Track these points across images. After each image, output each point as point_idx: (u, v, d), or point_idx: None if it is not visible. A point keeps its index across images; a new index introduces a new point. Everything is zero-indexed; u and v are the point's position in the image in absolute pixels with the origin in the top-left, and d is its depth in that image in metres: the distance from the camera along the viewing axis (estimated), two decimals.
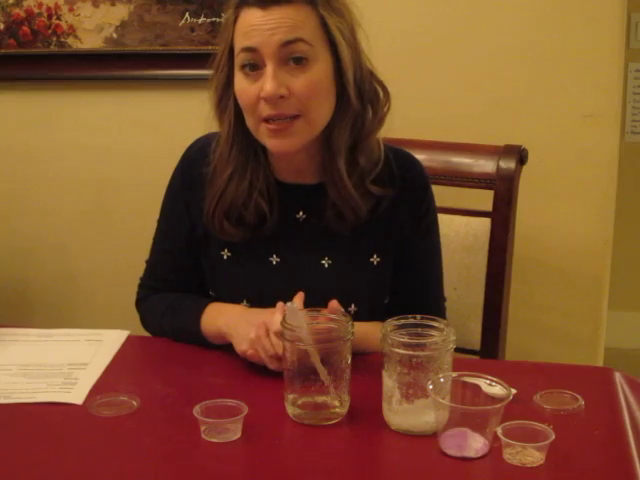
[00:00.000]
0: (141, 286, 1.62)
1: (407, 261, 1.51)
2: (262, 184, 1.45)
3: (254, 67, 1.36)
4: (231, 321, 1.41)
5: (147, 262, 1.61)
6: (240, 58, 1.38)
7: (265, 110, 1.36)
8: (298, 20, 1.35)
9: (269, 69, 1.34)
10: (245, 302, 1.46)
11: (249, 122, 1.41)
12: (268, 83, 1.34)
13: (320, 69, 1.38)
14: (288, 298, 1.33)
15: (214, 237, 1.50)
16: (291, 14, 1.35)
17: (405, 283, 1.53)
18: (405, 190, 1.49)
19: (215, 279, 1.53)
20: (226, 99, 1.43)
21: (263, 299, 1.43)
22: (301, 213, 1.49)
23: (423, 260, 1.54)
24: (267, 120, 1.37)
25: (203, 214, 1.49)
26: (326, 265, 1.48)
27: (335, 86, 1.41)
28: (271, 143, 1.40)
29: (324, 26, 1.38)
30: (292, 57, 1.35)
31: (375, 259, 1.49)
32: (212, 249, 1.51)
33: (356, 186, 1.43)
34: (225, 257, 1.50)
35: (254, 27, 1.35)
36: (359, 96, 1.42)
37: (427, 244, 1.54)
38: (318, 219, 1.46)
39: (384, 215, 1.47)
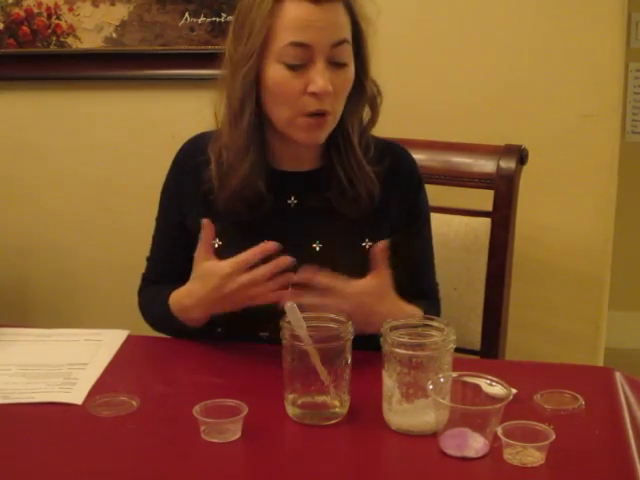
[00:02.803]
0: (142, 280, 1.64)
1: (400, 246, 1.52)
2: (264, 172, 1.47)
3: (301, 62, 1.38)
4: (191, 292, 1.43)
5: (147, 259, 1.64)
6: (286, 50, 1.38)
7: (312, 104, 1.39)
8: (343, 20, 1.40)
9: (320, 66, 1.37)
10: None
11: (282, 114, 1.42)
12: (322, 79, 1.37)
13: (352, 69, 1.43)
14: None
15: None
16: (339, 13, 1.39)
17: (397, 269, 1.53)
18: (398, 183, 1.52)
19: None
20: (251, 89, 1.43)
21: None
22: (293, 198, 1.50)
23: (416, 244, 1.57)
24: (310, 114, 1.40)
25: (198, 204, 1.50)
26: (317, 249, 1.49)
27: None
28: (303, 136, 1.43)
29: (354, 25, 1.42)
30: (337, 58, 1.39)
31: (367, 243, 1.50)
32: None
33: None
34: (216, 245, 1.50)
35: (308, 23, 1.36)
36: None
37: (420, 237, 1.57)
38: (312, 203, 1.49)
39: (378, 203, 1.49)
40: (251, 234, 1.48)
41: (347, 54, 1.41)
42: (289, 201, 1.51)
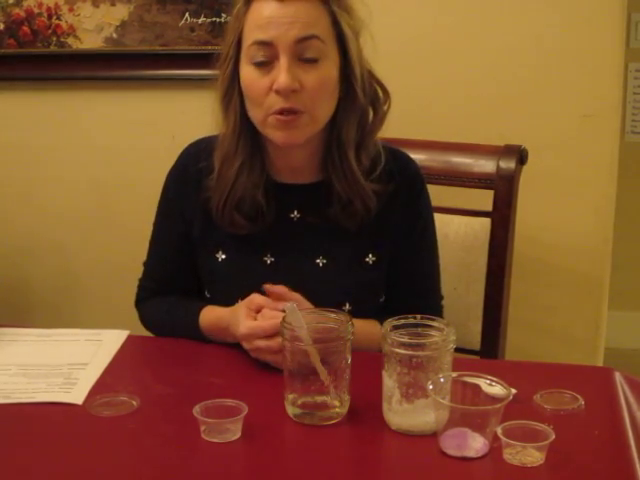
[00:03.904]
0: (140, 287, 1.63)
1: (403, 261, 1.52)
2: (262, 181, 1.46)
3: (265, 60, 1.37)
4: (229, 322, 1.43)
5: (144, 264, 1.62)
6: (252, 50, 1.38)
7: (277, 103, 1.37)
8: (313, 16, 1.37)
9: (283, 62, 1.35)
10: (240, 302, 1.44)
11: (255, 114, 1.41)
12: (283, 76, 1.35)
13: (330, 66, 1.40)
14: None
15: (209, 239, 1.51)
16: (307, 9, 1.36)
17: (401, 283, 1.53)
18: (401, 190, 1.50)
19: (211, 281, 1.54)
20: (232, 91, 1.43)
21: None
22: (296, 212, 1.49)
23: (419, 260, 1.55)
24: (277, 112, 1.38)
25: (200, 212, 1.50)
26: (321, 264, 1.48)
27: (340, 83, 1.42)
28: (277, 135, 1.40)
29: (335, 24, 1.39)
30: (305, 54, 1.36)
31: (371, 258, 1.50)
32: (207, 251, 1.52)
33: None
34: (220, 259, 1.50)
35: (270, 20, 1.35)
36: (363, 89, 1.44)
37: (423, 244, 1.55)
38: (315, 218, 1.47)
39: (380, 214, 1.48)
40: (254, 248, 1.48)
41: (317, 50, 1.37)
42: (292, 215, 1.49)
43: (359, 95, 1.43)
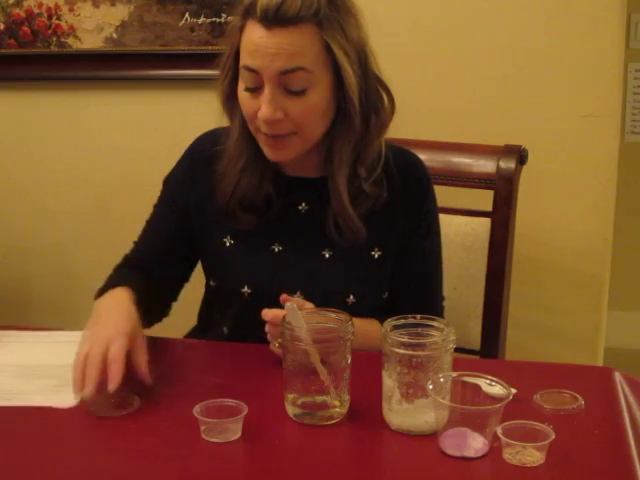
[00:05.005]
0: (124, 258, 1.60)
1: (407, 259, 1.53)
2: (270, 174, 1.47)
3: (254, 86, 1.37)
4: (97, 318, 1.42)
5: (135, 243, 1.60)
6: (243, 73, 1.38)
7: (262, 127, 1.38)
8: (300, 45, 1.33)
9: (267, 93, 1.35)
10: (246, 288, 1.47)
11: (250, 127, 1.43)
12: (265, 107, 1.35)
13: (318, 94, 1.37)
14: (289, 285, 1.38)
15: (219, 224, 1.51)
16: (294, 39, 1.33)
17: (404, 281, 1.54)
18: (407, 188, 1.50)
19: (216, 266, 1.54)
20: (234, 97, 1.43)
21: (264, 286, 1.46)
22: (304, 204, 1.50)
23: (423, 259, 1.55)
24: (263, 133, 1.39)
25: (212, 197, 1.49)
26: (327, 256, 1.49)
27: (336, 100, 1.41)
28: (268, 153, 1.42)
29: (328, 49, 1.36)
30: (291, 85, 1.35)
31: (376, 252, 1.50)
32: (216, 236, 1.52)
33: (354, 191, 1.45)
34: (228, 244, 1.51)
35: (257, 48, 1.34)
36: (362, 105, 1.41)
37: (427, 243, 1.55)
38: (320, 212, 1.48)
39: (386, 210, 1.48)
40: (263, 236, 1.49)
41: (303, 81, 1.34)
42: (300, 207, 1.50)
43: (354, 118, 1.40)
